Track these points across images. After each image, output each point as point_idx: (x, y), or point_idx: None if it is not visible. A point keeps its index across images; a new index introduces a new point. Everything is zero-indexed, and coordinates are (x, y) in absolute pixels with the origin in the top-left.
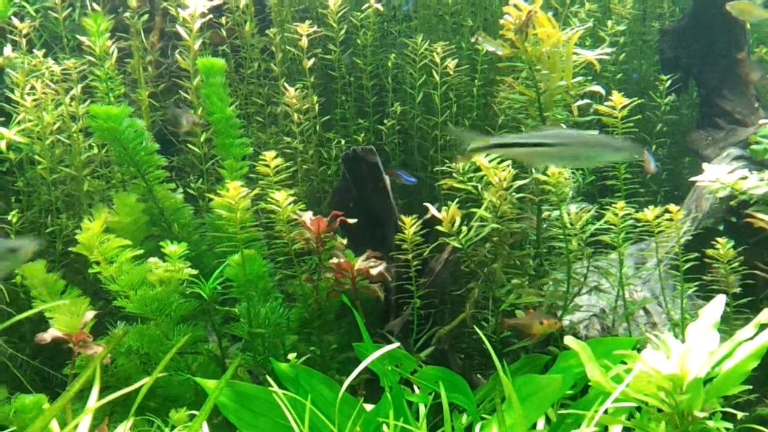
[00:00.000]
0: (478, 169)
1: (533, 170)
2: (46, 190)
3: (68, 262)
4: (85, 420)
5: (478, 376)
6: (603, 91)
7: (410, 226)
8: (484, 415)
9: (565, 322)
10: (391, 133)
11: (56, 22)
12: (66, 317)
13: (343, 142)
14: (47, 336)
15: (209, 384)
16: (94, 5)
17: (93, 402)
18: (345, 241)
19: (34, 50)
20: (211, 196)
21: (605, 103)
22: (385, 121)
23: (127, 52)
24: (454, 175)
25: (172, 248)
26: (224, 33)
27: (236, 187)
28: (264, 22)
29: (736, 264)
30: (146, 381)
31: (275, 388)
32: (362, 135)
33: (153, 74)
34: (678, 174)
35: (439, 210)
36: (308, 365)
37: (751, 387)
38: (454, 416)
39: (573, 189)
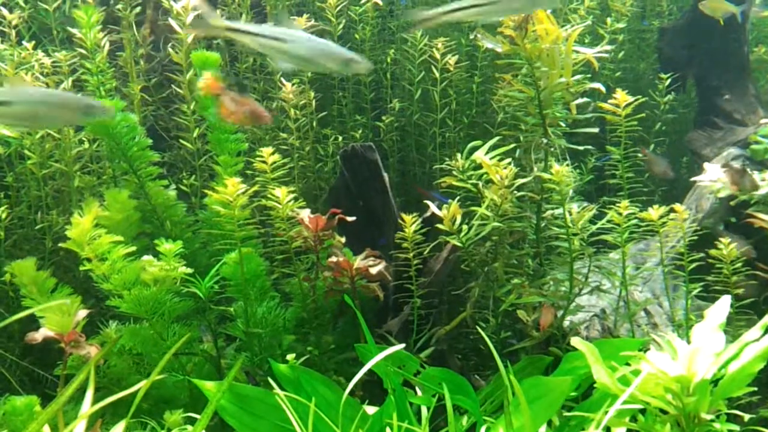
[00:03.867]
0: (478, 167)
1: (534, 168)
2: (35, 185)
3: (58, 259)
4: (80, 424)
5: (476, 377)
6: (603, 89)
7: (410, 224)
8: (486, 418)
9: (566, 322)
10: (389, 130)
11: (46, 13)
12: (57, 316)
13: (340, 138)
14: (38, 336)
15: (208, 386)
16: None
17: (87, 406)
18: (343, 240)
19: (24, 42)
20: (208, 192)
21: (609, 101)
22: (383, 118)
23: (118, 45)
24: (453, 173)
25: (167, 246)
26: None
27: (234, 184)
28: (260, 15)
29: (739, 264)
30: (143, 384)
31: (276, 389)
32: (360, 132)
33: (145, 68)
34: (676, 173)
35: (439, 208)
36: (305, 366)
37: (755, 389)
38: (456, 418)
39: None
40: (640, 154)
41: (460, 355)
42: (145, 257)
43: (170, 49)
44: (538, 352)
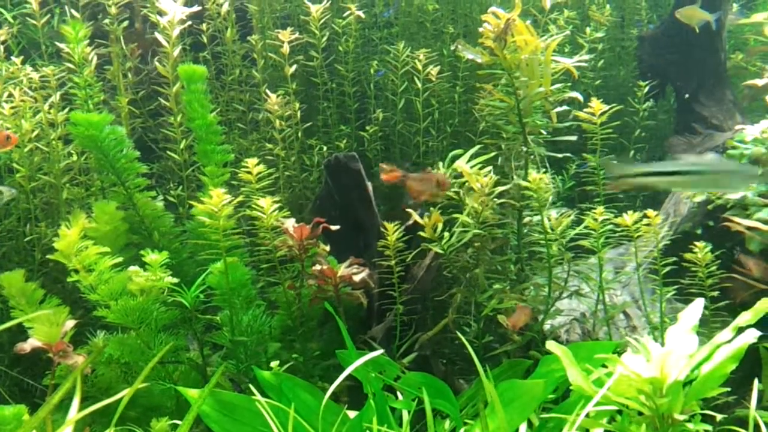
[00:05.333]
0: (458, 176)
1: (514, 176)
2: (24, 198)
3: (47, 271)
4: (66, 431)
5: (461, 381)
6: (581, 98)
7: (393, 232)
8: (467, 420)
9: (546, 326)
10: (374, 139)
11: (34, 29)
12: (45, 327)
13: (325, 148)
14: (27, 346)
15: (192, 393)
16: (73, 12)
17: (74, 413)
18: (328, 248)
19: (12, 57)
20: (194, 203)
21: (584, 110)
22: (367, 128)
23: (107, 59)
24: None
25: (153, 257)
26: (205, 39)
27: (219, 194)
28: (245, 28)
29: (714, 267)
30: (127, 392)
31: (258, 396)
32: (344, 141)
33: (133, 81)
34: None
35: (422, 215)
36: (291, 373)
37: (729, 389)
38: (438, 422)
39: (553, 194)
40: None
41: (445, 359)
42: (132, 268)
43: (157, 63)
44: (520, 356)
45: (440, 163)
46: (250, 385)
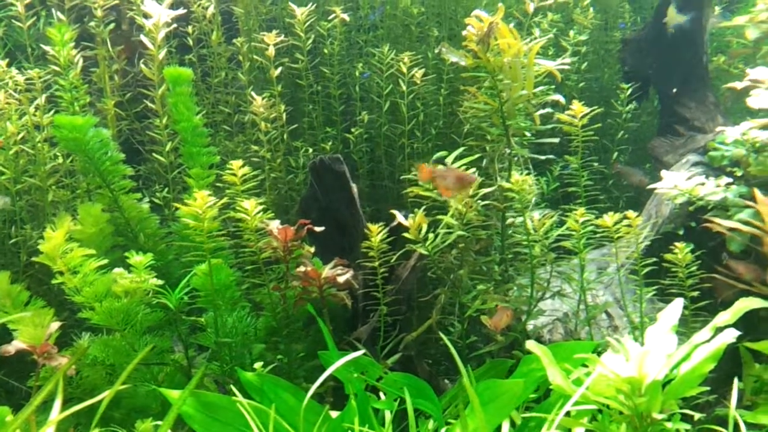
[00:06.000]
0: None
1: (498, 177)
2: (10, 200)
3: (32, 273)
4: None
5: (446, 381)
6: (563, 100)
7: (376, 233)
8: (449, 420)
9: (530, 326)
10: (359, 141)
11: (20, 31)
12: (30, 329)
13: (310, 150)
14: (11, 348)
15: (173, 394)
16: (59, 15)
17: (56, 414)
18: (312, 249)
19: None
20: (178, 205)
21: (566, 112)
22: (353, 130)
23: (93, 61)
24: (419, 183)
25: (137, 259)
26: (191, 42)
27: (203, 196)
28: (231, 31)
29: (694, 268)
30: (107, 393)
31: (240, 397)
32: (330, 143)
33: (119, 83)
34: None
35: (406, 217)
36: (275, 374)
37: (709, 388)
38: (421, 422)
39: (537, 196)
40: (595, 164)
41: (431, 360)
42: (116, 270)
43: (142, 65)
44: (504, 356)
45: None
46: (233, 387)
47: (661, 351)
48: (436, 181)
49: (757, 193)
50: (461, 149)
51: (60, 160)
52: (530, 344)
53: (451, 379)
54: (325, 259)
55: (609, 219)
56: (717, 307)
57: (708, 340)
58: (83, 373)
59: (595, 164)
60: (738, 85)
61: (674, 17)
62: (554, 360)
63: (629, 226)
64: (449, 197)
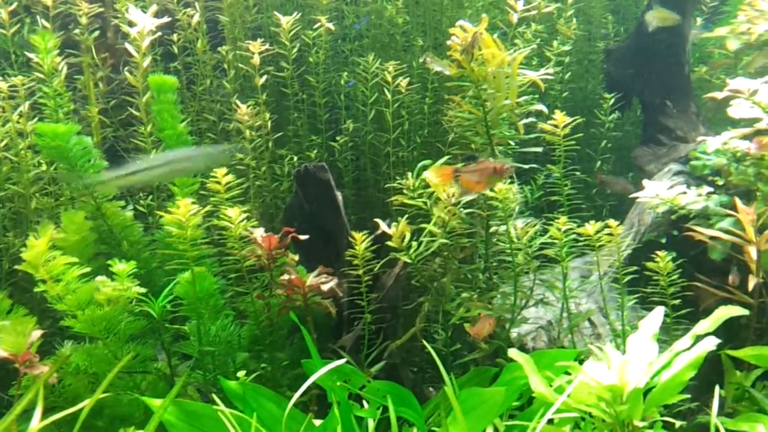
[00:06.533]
0: (428, 186)
1: None
2: None
3: (16, 280)
4: None
5: (431, 389)
6: (546, 110)
7: (361, 242)
8: (433, 429)
9: (513, 334)
10: (344, 149)
11: (4, 38)
12: (12, 337)
13: (295, 158)
14: None
15: (155, 403)
16: (44, 22)
17: (36, 422)
18: (297, 257)
19: None
20: (161, 213)
21: (549, 122)
22: (338, 138)
23: (78, 68)
24: (404, 191)
25: (120, 267)
26: (176, 50)
27: (186, 205)
28: (217, 39)
29: (675, 276)
30: (87, 402)
31: (222, 405)
32: (315, 151)
33: (104, 90)
34: None
35: (389, 226)
36: (259, 382)
37: (690, 396)
38: (404, 430)
39: (521, 204)
40: (578, 173)
41: (416, 367)
42: (99, 278)
43: (126, 73)
44: (488, 364)
45: (409, 174)
46: (216, 395)
47: (642, 359)
48: (462, 179)
49: (738, 202)
50: (446, 158)
51: (44, 167)
52: (512, 352)
53: (436, 387)
54: (311, 267)
55: (590, 228)
56: (699, 315)
57: (688, 348)
58: (66, 382)
59: (578, 173)
60: (718, 95)
61: (658, 18)
62: (536, 368)
63: (610, 234)
64: (481, 191)
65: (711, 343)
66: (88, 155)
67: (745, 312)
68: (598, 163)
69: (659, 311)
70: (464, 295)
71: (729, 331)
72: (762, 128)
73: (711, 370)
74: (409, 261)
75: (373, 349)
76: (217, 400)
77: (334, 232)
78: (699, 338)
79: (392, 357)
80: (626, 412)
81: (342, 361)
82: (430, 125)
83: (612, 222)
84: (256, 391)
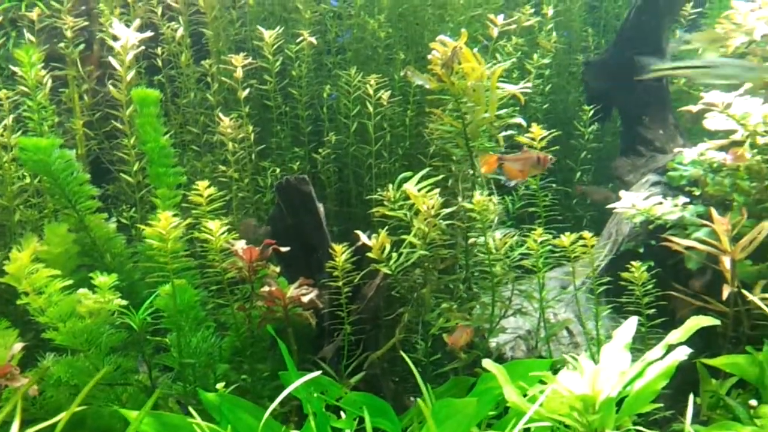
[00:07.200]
0: (408, 197)
1: (459, 198)
2: None
3: None
4: None
5: (411, 398)
6: (524, 123)
7: (341, 253)
8: None
9: (492, 343)
10: (327, 161)
11: None
12: None
13: (278, 170)
14: None
15: (131, 414)
16: (29, 36)
17: None
18: (278, 269)
19: None
20: (142, 227)
21: (526, 135)
22: (321, 150)
23: (63, 81)
24: (384, 203)
25: (101, 279)
26: (160, 63)
27: (167, 217)
28: (201, 52)
29: (650, 286)
30: (64, 414)
31: (197, 418)
32: (297, 163)
33: (89, 103)
34: None
35: (369, 237)
36: (239, 394)
37: (662, 405)
38: None
39: (503, 214)
40: (554, 184)
41: (398, 377)
42: (81, 290)
43: (110, 86)
44: (468, 373)
45: (389, 186)
46: (194, 407)
47: (614, 368)
48: (505, 167)
49: (714, 212)
50: (427, 169)
51: (27, 180)
52: (486, 363)
53: (417, 397)
54: (293, 279)
55: (566, 239)
56: (676, 324)
57: (660, 358)
58: (47, 394)
59: (554, 185)
60: (693, 108)
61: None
62: (509, 378)
63: (585, 246)
64: (523, 179)
65: (683, 353)
66: (70, 168)
67: (717, 322)
68: (578, 174)
69: (632, 321)
70: (444, 305)
71: (705, 340)
72: (737, 140)
73: (686, 379)
74: (389, 272)
75: (352, 359)
76: (193, 412)
77: (315, 244)
78: (671, 348)
79: (373, 367)
80: (598, 422)
81: (317, 373)
82: (411, 137)
83: (586, 233)
84: (233, 403)
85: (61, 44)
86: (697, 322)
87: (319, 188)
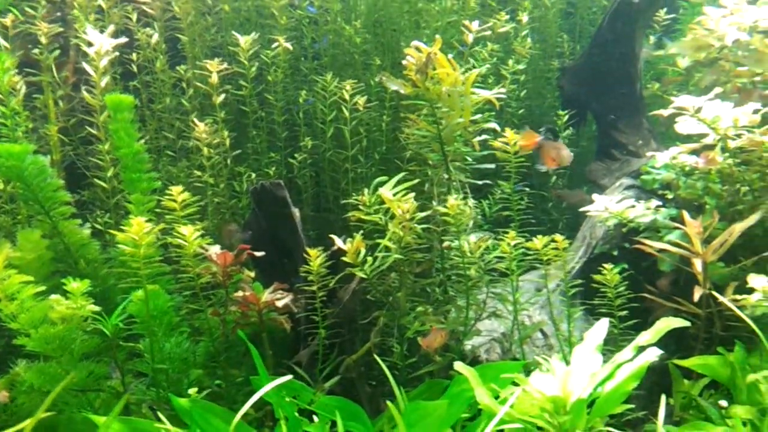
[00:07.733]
0: (383, 202)
1: (434, 202)
2: None
3: None
4: None
5: (388, 402)
6: (498, 128)
7: (316, 257)
8: None
9: (468, 346)
10: (303, 166)
11: None
12: None
13: (254, 175)
14: None
15: (99, 419)
16: (3, 42)
17: None
18: (253, 274)
19: None
20: (115, 232)
21: (499, 139)
22: (297, 155)
23: (39, 87)
24: (360, 207)
25: (74, 285)
26: (135, 68)
27: (140, 223)
28: (176, 58)
29: (623, 288)
30: (29, 421)
31: (167, 423)
32: (274, 168)
33: (64, 108)
34: None
35: (345, 241)
36: (213, 399)
37: (633, 405)
38: None
39: (480, 219)
40: (527, 188)
41: (375, 381)
42: (53, 296)
43: (84, 92)
44: (443, 376)
45: (365, 190)
46: (166, 413)
47: (585, 370)
48: (542, 149)
49: (686, 215)
50: (403, 174)
51: (1, 186)
52: (458, 365)
53: (393, 401)
54: (268, 283)
55: (538, 242)
56: (649, 326)
57: (631, 359)
58: (19, 401)
59: (527, 189)
60: (664, 112)
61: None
62: (482, 380)
63: (557, 249)
64: (552, 167)
65: (653, 354)
66: (43, 174)
67: (686, 323)
68: (554, 177)
69: (603, 323)
70: (419, 308)
71: (677, 342)
72: (709, 143)
73: (660, 380)
74: (364, 276)
75: (327, 363)
76: (163, 418)
77: (291, 249)
78: (641, 349)
79: (349, 371)
80: (569, 423)
81: (288, 377)
82: (388, 142)
83: (558, 237)
84: (205, 408)
85: (36, 50)
86: (667, 324)
87: (296, 193)
